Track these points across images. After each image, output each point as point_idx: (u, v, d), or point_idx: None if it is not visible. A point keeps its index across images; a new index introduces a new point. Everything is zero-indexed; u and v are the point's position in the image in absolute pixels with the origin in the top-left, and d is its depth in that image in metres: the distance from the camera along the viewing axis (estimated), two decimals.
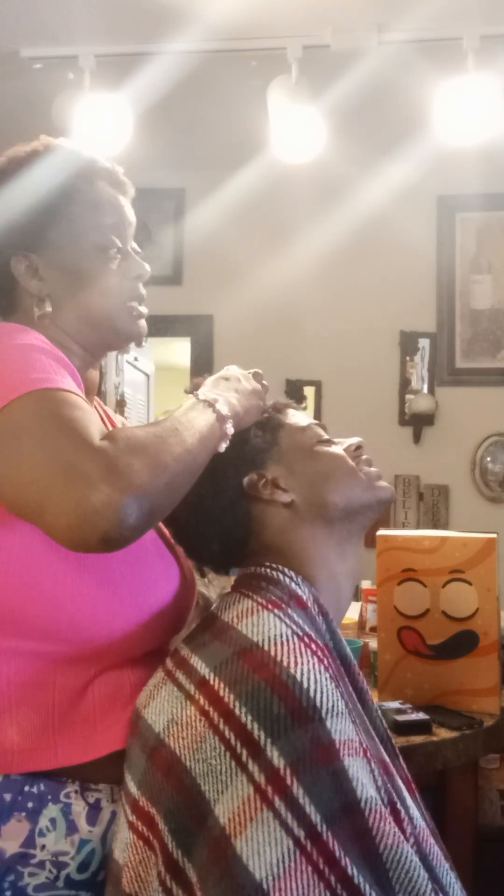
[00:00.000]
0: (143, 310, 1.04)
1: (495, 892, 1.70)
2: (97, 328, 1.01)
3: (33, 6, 2.28)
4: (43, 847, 0.88)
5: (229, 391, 1.00)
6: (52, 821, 0.89)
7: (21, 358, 0.86)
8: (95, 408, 1.11)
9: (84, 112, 2.43)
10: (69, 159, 1.03)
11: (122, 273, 1.02)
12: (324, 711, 0.79)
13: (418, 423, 3.25)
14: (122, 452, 0.80)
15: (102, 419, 1.12)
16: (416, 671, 1.54)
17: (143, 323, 1.05)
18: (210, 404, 0.94)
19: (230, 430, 0.95)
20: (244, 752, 0.77)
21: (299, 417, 1.09)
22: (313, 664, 0.82)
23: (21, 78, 2.58)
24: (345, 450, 1.05)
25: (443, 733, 1.42)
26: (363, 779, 0.78)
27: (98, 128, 2.43)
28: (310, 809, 0.74)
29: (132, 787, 0.86)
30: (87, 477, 0.76)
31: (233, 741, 0.78)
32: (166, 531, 1.05)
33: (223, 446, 0.95)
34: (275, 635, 0.84)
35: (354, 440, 1.07)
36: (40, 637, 0.88)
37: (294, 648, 0.83)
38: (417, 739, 1.39)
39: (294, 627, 0.86)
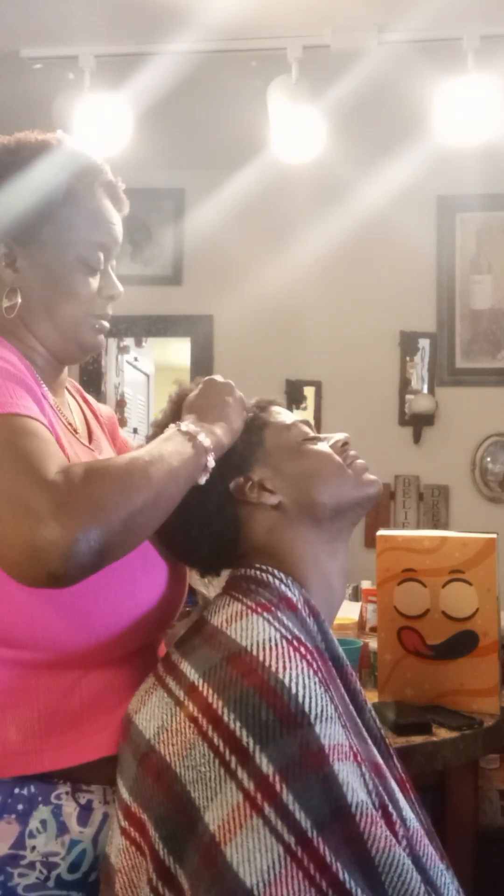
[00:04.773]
0: (105, 324, 1.04)
1: (495, 892, 1.70)
2: (61, 333, 1.01)
3: (33, 6, 2.28)
4: (33, 848, 0.88)
5: (216, 421, 0.98)
6: (43, 822, 0.88)
7: None
8: (76, 398, 1.11)
9: (84, 112, 2.42)
10: (79, 162, 1.02)
11: (98, 290, 1.02)
12: (312, 717, 0.78)
13: (418, 424, 3.24)
14: (76, 488, 0.78)
15: (83, 410, 1.12)
16: (416, 671, 1.54)
17: (102, 337, 1.05)
18: (192, 436, 0.92)
19: (211, 462, 0.93)
20: (233, 759, 0.77)
21: (284, 415, 1.07)
22: (302, 668, 0.82)
23: (21, 78, 2.58)
24: (331, 446, 1.03)
25: (443, 733, 1.42)
26: (353, 783, 0.77)
27: (98, 128, 2.43)
28: (300, 815, 0.74)
29: (124, 792, 0.86)
30: (37, 513, 0.75)
31: (222, 748, 0.78)
32: None
33: (203, 479, 0.93)
34: (263, 640, 0.84)
35: (340, 436, 1.05)
36: (18, 646, 0.88)
37: (283, 653, 0.82)
38: (417, 740, 1.39)
39: (283, 631, 0.86)
